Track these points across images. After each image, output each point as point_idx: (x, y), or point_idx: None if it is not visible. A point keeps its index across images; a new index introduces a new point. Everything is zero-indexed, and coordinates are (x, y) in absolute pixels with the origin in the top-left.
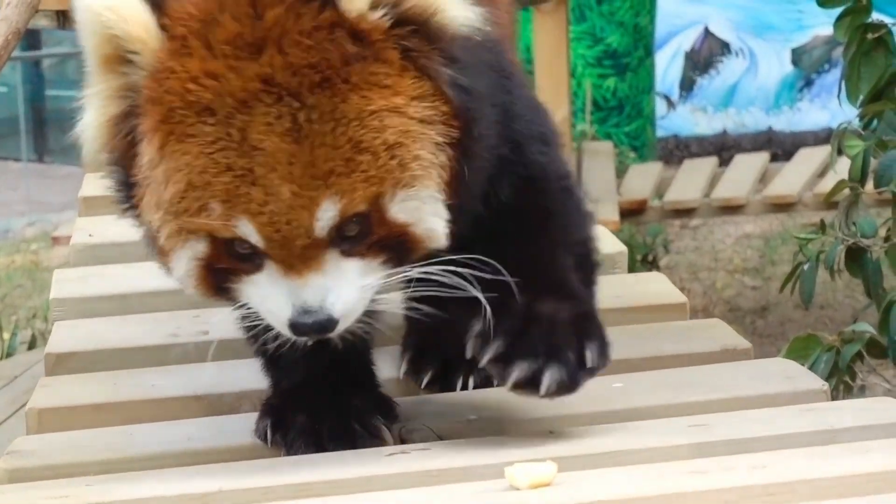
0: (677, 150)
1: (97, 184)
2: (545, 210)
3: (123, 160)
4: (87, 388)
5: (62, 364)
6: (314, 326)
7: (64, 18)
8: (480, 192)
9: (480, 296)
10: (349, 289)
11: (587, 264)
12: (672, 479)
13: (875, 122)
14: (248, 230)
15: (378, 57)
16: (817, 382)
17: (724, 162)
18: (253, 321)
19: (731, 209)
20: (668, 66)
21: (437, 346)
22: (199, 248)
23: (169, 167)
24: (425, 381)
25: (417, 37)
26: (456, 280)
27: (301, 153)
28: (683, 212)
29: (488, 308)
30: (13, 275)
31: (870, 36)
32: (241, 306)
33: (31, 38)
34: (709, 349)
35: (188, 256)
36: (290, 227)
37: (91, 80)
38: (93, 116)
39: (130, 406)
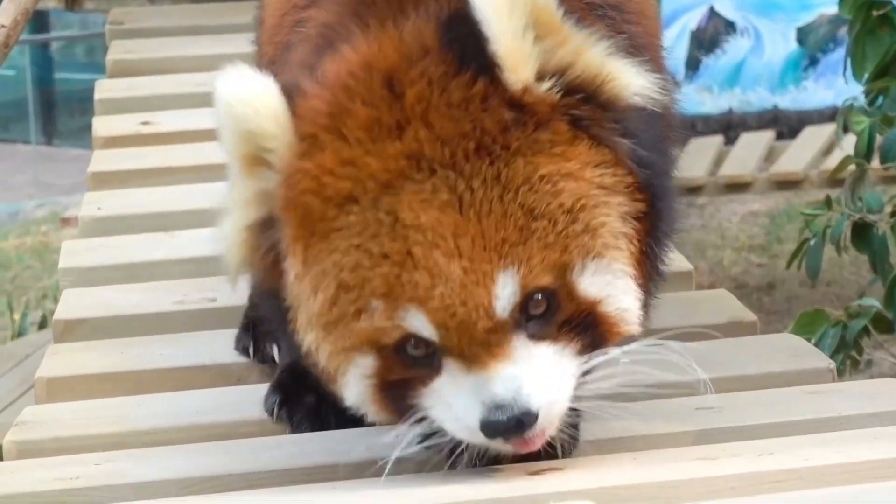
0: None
1: (106, 160)
2: None
3: (271, 281)
4: (94, 357)
5: (70, 331)
6: (510, 423)
7: (72, 0)
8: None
9: (704, 376)
10: (546, 377)
11: None
12: (679, 466)
13: (880, 98)
14: (418, 322)
15: (542, 125)
16: (823, 361)
17: (730, 140)
18: (439, 441)
19: (737, 187)
20: (673, 45)
21: None
22: (367, 363)
23: (315, 273)
24: None
25: (589, 105)
26: (674, 357)
27: (466, 224)
28: (690, 190)
29: (710, 386)
30: (23, 256)
31: (874, 13)
32: (423, 421)
33: (39, 21)
34: (715, 321)
35: (357, 376)
36: (465, 308)
37: (233, 184)
38: (232, 225)
39: (138, 376)
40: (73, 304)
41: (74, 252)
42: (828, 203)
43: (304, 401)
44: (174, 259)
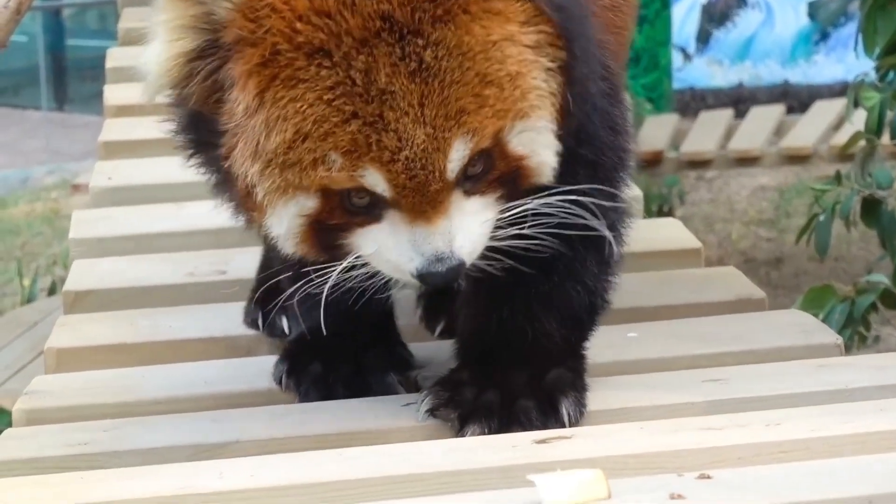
0: (693, 102)
1: (117, 129)
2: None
3: (203, 104)
4: (104, 328)
5: (80, 302)
6: (448, 275)
7: None
8: (574, 127)
9: (604, 230)
10: (474, 229)
11: (586, 316)
12: (686, 435)
13: (891, 74)
14: (374, 180)
15: None
16: (831, 336)
17: (740, 114)
18: (363, 276)
19: (746, 161)
20: (684, 18)
21: (450, 296)
22: (308, 204)
23: (272, 115)
24: (438, 329)
25: None
26: (578, 211)
27: (432, 93)
28: (699, 163)
29: (612, 241)
30: (33, 223)
31: None
32: (345, 261)
33: None
34: (723, 298)
35: (292, 214)
36: (424, 172)
37: (160, 6)
38: (161, 49)
39: (148, 347)
40: (83, 275)
41: (85, 222)
42: (837, 178)
43: (310, 370)
44: (185, 231)
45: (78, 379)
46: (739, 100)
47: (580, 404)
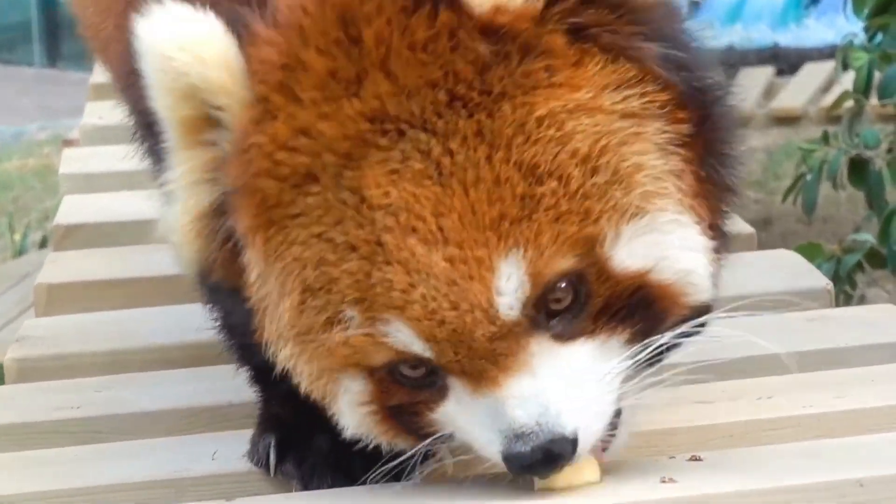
0: None
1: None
2: None
3: (231, 278)
4: (95, 264)
5: (70, 236)
6: (537, 455)
7: None
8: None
9: (783, 351)
10: (581, 387)
11: None
12: (676, 412)
13: (879, 35)
14: (403, 336)
15: (530, 49)
16: (821, 280)
17: (730, 76)
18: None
19: None
20: None
21: None
22: (357, 387)
23: (278, 272)
24: None
25: (592, 7)
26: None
27: (449, 198)
28: None
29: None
30: (25, 178)
31: None
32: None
33: None
34: None
35: (350, 403)
36: (457, 312)
37: (174, 160)
38: (182, 212)
39: (139, 283)
40: (73, 209)
41: (75, 159)
42: (825, 138)
43: (314, 443)
44: None
45: (69, 323)
46: (729, 61)
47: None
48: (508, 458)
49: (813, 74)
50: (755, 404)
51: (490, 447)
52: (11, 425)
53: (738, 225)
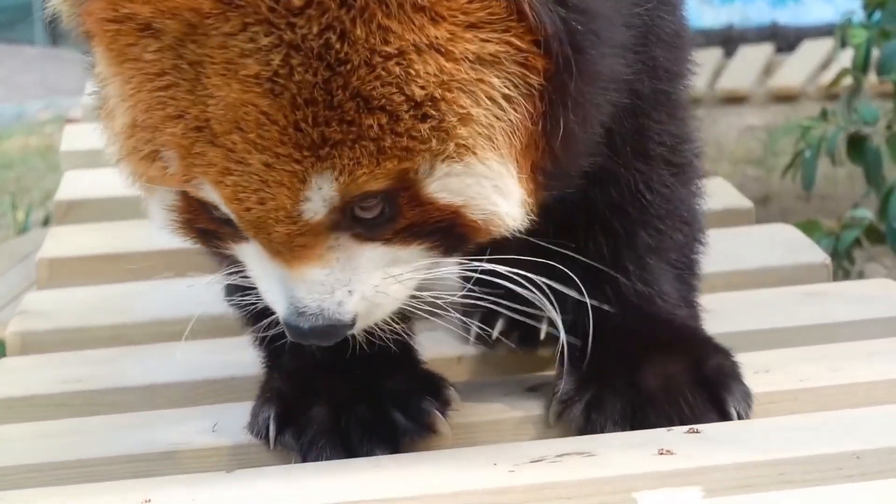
0: None
1: None
2: (660, 196)
3: (86, 46)
4: (96, 238)
5: (71, 212)
6: (313, 333)
7: None
8: (584, 155)
9: (559, 323)
10: (364, 285)
11: (690, 273)
12: None
13: (878, 12)
14: (213, 198)
15: None
16: (819, 255)
17: (729, 54)
18: (249, 294)
19: (734, 100)
20: None
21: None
22: (169, 198)
23: (114, 91)
24: (497, 330)
25: None
26: (529, 293)
27: (277, 110)
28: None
29: (564, 346)
30: (28, 157)
31: None
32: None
33: None
34: (712, 208)
35: (159, 206)
36: (263, 207)
37: None
38: None
39: (140, 257)
40: (75, 184)
41: (76, 135)
42: (824, 115)
43: (313, 414)
44: None
45: (70, 296)
46: (729, 39)
47: (748, 398)
48: (287, 325)
49: (812, 52)
50: (752, 378)
51: (276, 306)
52: (13, 398)
53: (736, 199)
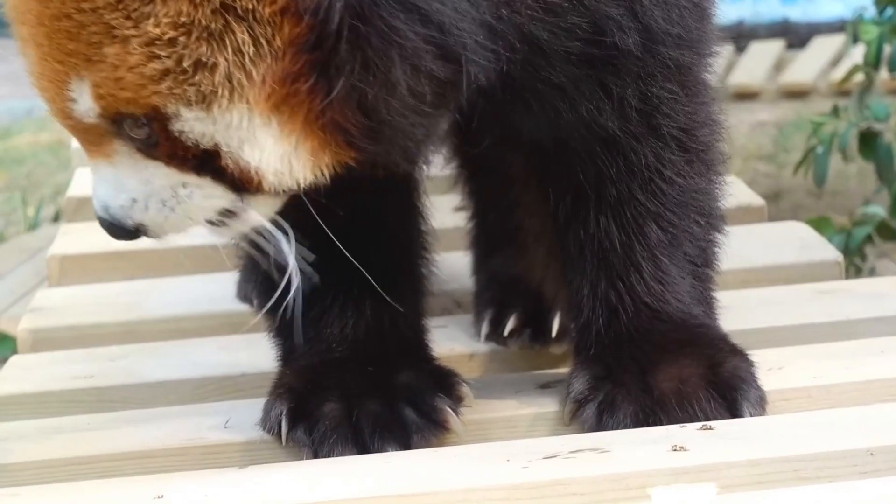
0: None
1: None
2: (672, 171)
3: None
4: (107, 235)
5: (82, 208)
6: (102, 224)
7: None
8: (423, 116)
9: (293, 263)
10: (147, 197)
11: (707, 267)
12: None
13: (890, 8)
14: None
15: None
16: (832, 253)
17: (740, 50)
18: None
19: (745, 96)
20: None
21: (522, 298)
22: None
23: None
24: (509, 326)
25: None
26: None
27: (45, 16)
28: None
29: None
30: (38, 152)
31: None
32: None
33: None
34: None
35: None
36: (47, 94)
37: None
38: None
39: (152, 254)
40: (86, 181)
41: None
42: (835, 111)
43: (324, 409)
44: None
45: (81, 294)
46: (740, 35)
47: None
48: (98, 216)
49: (823, 48)
50: (765, 375)
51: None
52: (25, 395)
53: (748, 197)
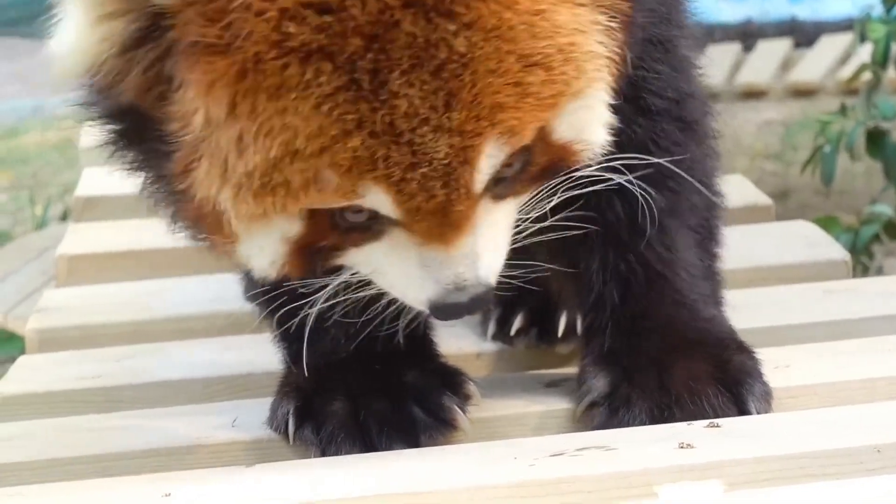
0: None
1: None
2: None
3: (140, 98)
4: (115, 235)
5: (90, 208)
6: (472, 305)
7: None
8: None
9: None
10: (500, 242)
11: (711, 239)
12: None
13: None
14: (378, 201)
15: None
16: (839, 252)
17: (748, 49)
18: (363, 298)
19: (753, 95)
20: None
21: (528, 297)
22: (292, 228)
23: (250, 131)
24: (515, 326)
25: None
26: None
27: (461, 90)
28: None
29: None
30: (45, 152)
31: None
32: (338, 279)
33: None
34: (731, 205)
35: (276, 239)
36: (446, 191)
37: None
38: (80, 32)
39: (159, 254)
40: (94, 181)
41: (96, 133)
42: (843, 111)
43: (331, 408)
44: None
45: (88, 294)
46: (747, 34)
47: (767, 397)
48: (441, 306)
49: (830, 47)
50: (772, 373)
51: (419, 293)
52: (33, 394)
53: (755, 196)
